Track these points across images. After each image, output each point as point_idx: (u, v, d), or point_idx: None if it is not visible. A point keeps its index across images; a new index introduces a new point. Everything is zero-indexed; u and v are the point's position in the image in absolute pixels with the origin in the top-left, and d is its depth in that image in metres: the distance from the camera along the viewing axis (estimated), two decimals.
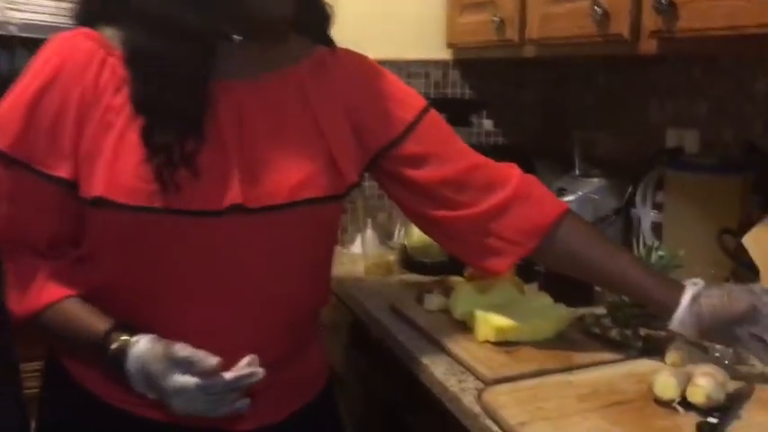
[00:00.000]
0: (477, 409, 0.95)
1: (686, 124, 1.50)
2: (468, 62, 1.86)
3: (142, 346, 0.84)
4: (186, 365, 0.81)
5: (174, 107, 0.85)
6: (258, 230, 0.89)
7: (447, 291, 1.26)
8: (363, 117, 1.01)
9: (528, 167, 1.58)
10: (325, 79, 0.98)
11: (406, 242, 1.59)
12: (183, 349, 0.82)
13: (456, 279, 1.33)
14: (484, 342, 1.12)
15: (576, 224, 1.07)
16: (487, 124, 1.89)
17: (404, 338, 1.20)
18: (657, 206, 1.41)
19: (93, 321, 0.88)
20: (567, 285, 1.22)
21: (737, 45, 1.04)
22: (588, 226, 1.11)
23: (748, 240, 1.13)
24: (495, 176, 1.06)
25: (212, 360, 0.81)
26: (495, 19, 1.52)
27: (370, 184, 1.49)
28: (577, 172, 1.61)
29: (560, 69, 1.89)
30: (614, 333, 1.12)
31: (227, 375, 0.82)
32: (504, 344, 1.11)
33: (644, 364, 1.04)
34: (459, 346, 1.12)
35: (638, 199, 1.45)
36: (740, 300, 0.96)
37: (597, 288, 1.29)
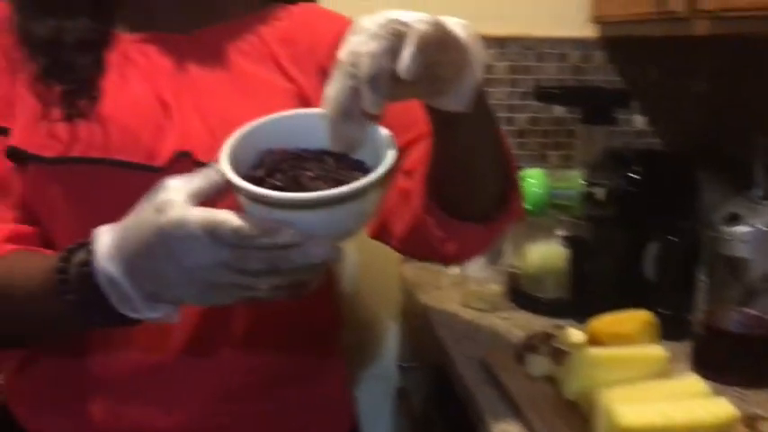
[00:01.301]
0: None
1: None
2: (618, 41, 1.52)
3: (111, 233, 0.57)
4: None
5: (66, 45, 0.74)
6: None
7: (558, 353, 0.93)
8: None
9: (688, 180, 1.23)
10: (288, 33, 0.82)
11: (517, 267, 1.26)
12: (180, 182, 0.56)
13: (574, 333, 0.99)
14: None
15: None
16: (639, 121, 1.51)
17: (489, 413, 0.89)
18: None
19: (41, 259, 0.65)
20: (730, 355, 0.93)
21: None
22: None
23: None
24: None
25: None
26: None
27: None
28: (759, 193, 1.21)
29: (741, 52, 1.47)
30: None
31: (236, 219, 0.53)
32: None
33: None
34: None
35: None
36: None
37: None
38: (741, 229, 1.13)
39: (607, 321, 0.97)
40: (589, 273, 1.17)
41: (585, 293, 1.17)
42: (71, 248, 0.61)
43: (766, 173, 1.24)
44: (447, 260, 0.81)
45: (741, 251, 1.07)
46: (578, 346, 0.91)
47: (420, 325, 1.25)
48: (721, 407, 0.80)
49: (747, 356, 0.96)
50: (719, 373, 0.95)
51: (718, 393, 0.91)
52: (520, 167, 1.46)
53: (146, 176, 0.67)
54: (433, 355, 1.17)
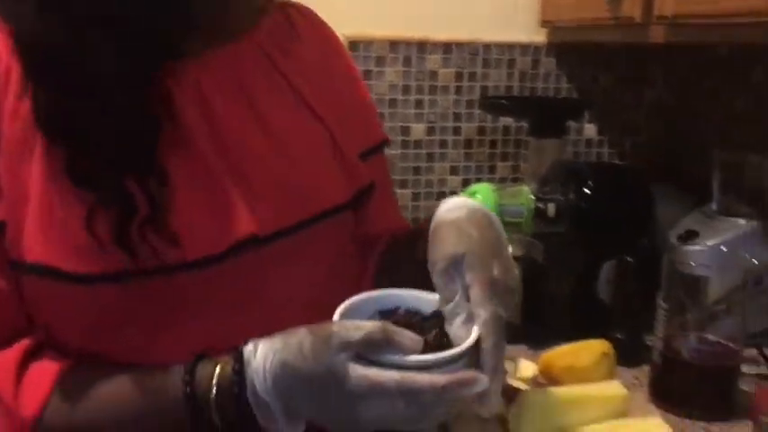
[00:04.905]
0: None
1: None
2: (569, 47, 1.47)
3: (267, 348, 0.57)
4: (372, 348, 0.55)
5: (109, 130, 0.59)
6: (275, 264, 0.67)
7: (510, 390, 0.85)
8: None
9: (644, 195, 1.18)
10: (293, 45, 0.75)
11: None
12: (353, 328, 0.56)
13: (526, 366, 0.91)
14: None
15: None
16: (590, 131, 1.45)
17: None
18: None
19: (140, 375, 0.60)
20: (689, 386, 0.87)
21: None
22: None
23: None
24: None
25: (412, 337, 0.56)
26: None
27: None
28: (715, 207, 1.16)
29: (698, 60, 1.45)
30: None
31: (440, 378, 0.54)
32: None
33: None
34: None
35: None
36: None
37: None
38: (698, 246, 1.07)
39: (561, 353, 0.90)
40: (542, 295, 1.10)
41: (538, 318, 1.10)
42: (190, 369, 0.58)
43: (724, 187, 1.19)
44: None
45: (698, 270, 1.02)
46: (531, 384, 0.83)
47: None
48: None
49: (707, 387, 0.89)
50: (678, 404, 0.89)
51: (681, 429, 0.85)
52: (467, 180, 1.40)
53: (188, 277, 0.61)
54: None
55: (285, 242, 0.67)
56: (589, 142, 1.46)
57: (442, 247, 0.61)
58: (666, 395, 0.91)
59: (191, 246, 0.61)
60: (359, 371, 0.53)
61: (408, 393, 0.53)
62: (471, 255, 0.59)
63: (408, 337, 0.55)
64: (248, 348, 0.57)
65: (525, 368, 0.92)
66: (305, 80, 0.74)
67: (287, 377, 0.55)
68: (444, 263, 0.59)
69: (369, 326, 0.54)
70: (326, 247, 0.72)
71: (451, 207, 0.65)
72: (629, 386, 0.95)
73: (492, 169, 1.44)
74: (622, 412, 0.82)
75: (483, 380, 0.55)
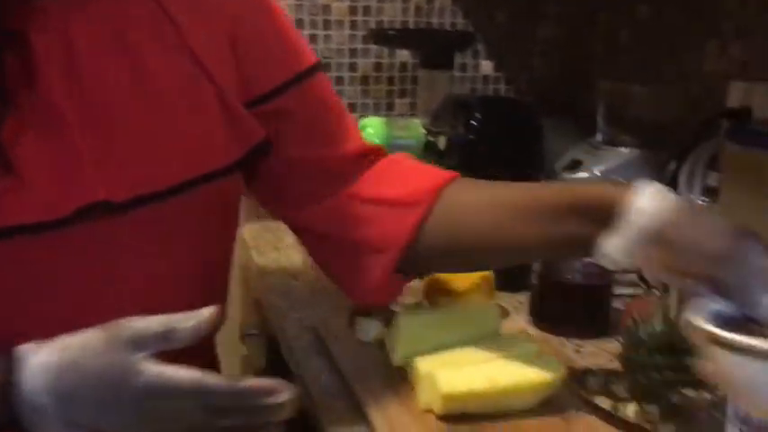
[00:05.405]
0: None
1: (757, 76, 1.08)
2: None
3: (49, 348, 0.52)
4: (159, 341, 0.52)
5: None
6: (131, 236, 0.61)
7: (390, 314, 0.86)
8: (247, 52, 0.69)
9: (531, 128, 1.19)
10: None
11: None
12: (145, 322, 0.53)
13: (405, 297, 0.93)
14: (426, 411, 0.72)
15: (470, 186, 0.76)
16: (487, 67, 1.46)
17: (315, 388, 0.81)
18: (709, 192, 1.03)
19: None
20: (565, 306, 0.90)
21: None
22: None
23: None
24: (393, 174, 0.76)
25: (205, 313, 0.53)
26: None
27: None
28: (600, 138, 1.19)
29: None
30: (631, 410, 0.71)
31: (243, 383, 0.53)
32: (456, 417, 0.71)
33: None
34: (384, 415, 0.72)
35: (681, 180, 1.06)
36: (717, 235, 0.59)
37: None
38: (579, 174, 1.11)
39: (441, 278, 0.92)
40: None
41: None
42: None
43: (608, 118, 1.22)
44: (362, 300, 0.80)
45: None
46: (406, 310, 0.85)
47: (258, 290, 1.16)
48: (550, 365, 0.75)
49: (580, 307, 0.93)
50: (554, 325, 0.92)
51: (556, 346, 0.89)
52: (363, 116, 1.39)
53: (30, 241, 0.56)
54: (269, 323, 1.08)
55: (146, 210, 0.61)
56: (486, 78, 1.46)
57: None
58: (543, 317, 0.94)
59: (30, 206, 0.56)
60: (152, 368, 0.51)
61: (203, 395, 0.51)
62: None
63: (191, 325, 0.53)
64: (25, 348, 0.53)
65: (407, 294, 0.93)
66: (194, 21, 0.67)
67: (71, 377, 0.51)
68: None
69: (157, 320, 0.52)
70: (201, 216, 0.66)
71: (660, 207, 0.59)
72: (512, 310, 0.98)
73: (390, 106, 1.43)
74: (495, 333, 0.85)
75: (286, 391, 0.53)
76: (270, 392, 0.53)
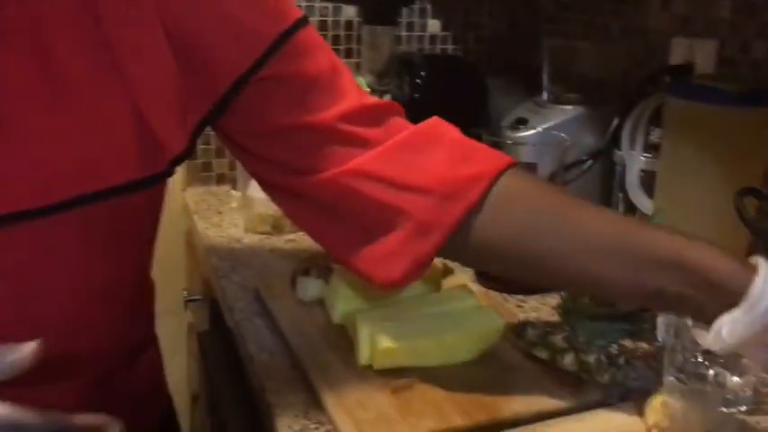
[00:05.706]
0: None
1: (699, 32, 1.08)
2: None
3: None
4: None
5: None
6: (19, 249, 0.57)
7: (329, 273, 0.85)
8: (203, 39, 0.61)
9: (476, 86, 1.18)
10: None
11: None
12: None
13: None
14: (366, 367, 0.72)
15: (528, 181, 0.68)
16: (434, 26, 1.43)
17: (254, 346, 0.79)
18: (652, 148, 1.02)
19: None
20: None
21: None
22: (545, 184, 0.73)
23: None
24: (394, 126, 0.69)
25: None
26: None
27: None
28: (546, 96, 1.18)
29: None
30: (568, 360, 0.71)
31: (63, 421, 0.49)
32: (396, 372, 0.70)
33: (610, 419, 0.65)
34: (325, 373, 0.71)
35: (624, 137, 1.05)
36: None
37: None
38: (523, 132, 1.09)
39: None
40: None
41: None
42: None
43: (553, 76, 1.21)
44: (382, 286, 0.68)
45: (526, 156, 1.04)
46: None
47: (201, 254, 1.13)
48: (489, 319, 0.75)
49: None
50: (498, 281, 0.92)
51: (498, 301, 0.89)
52: None
53: None
54: (212, 287, 1.06)
55: (31, 225, 0.56)
56: (433, 38, 1.44)
57: None
58: (489, 276, 0.94)
59: None
60: None
61: (16, 428, 0.47)
62: None
63: None
64: None
65: None
66: (123, 18, 0.58)
67: None
68: None
69: None
70: (102, 230, 0.61)
71: None
72: (457, 268, 0.98)
73: None
74: (437, 287, 0.84)
75: (114, 427, 0.49)
76: (99, 428, 0.49)
